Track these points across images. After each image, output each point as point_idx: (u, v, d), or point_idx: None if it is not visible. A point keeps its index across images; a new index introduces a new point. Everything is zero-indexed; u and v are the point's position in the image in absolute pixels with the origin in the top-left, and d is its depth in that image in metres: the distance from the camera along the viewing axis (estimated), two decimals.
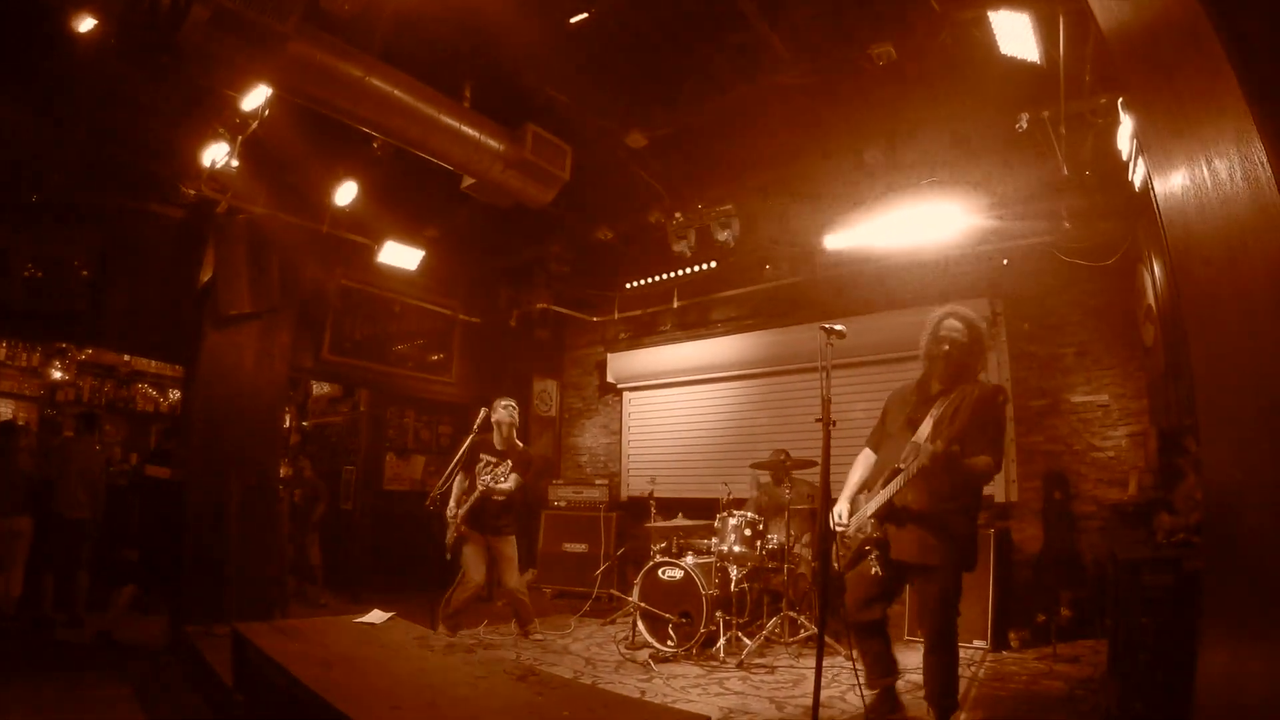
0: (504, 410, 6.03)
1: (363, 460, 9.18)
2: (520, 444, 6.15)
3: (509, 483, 5.70)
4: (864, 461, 4.00)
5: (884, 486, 3.60)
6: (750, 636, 5.77)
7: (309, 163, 6.51)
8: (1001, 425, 3.64)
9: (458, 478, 5.90)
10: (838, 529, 3.81)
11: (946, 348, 3.65)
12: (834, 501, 3.79)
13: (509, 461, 5.81)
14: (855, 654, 3.96)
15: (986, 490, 6.80)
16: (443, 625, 5.64)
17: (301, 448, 9.27)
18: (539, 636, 6.07)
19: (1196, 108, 1.66)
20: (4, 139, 5.86)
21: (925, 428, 3.58)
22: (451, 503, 5.85)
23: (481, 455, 5.91)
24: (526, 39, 5.29)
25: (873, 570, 3.59)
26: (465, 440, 5.93)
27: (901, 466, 3.51)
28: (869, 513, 3.65)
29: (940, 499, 3.48)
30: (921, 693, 3.67)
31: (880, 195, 6.53)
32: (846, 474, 4.04)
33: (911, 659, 4.44)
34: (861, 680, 3.74)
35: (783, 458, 6.57)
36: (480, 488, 5.66)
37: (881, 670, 3.76)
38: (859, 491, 3.90)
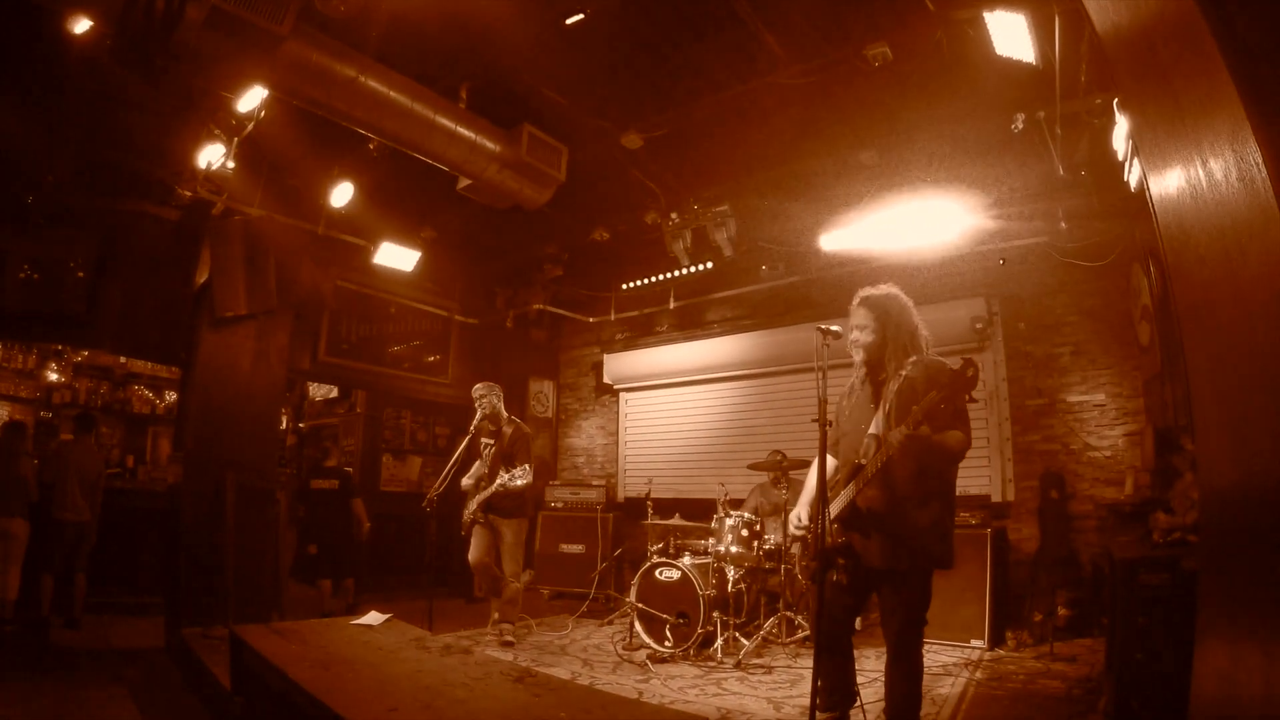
0: (479, 394, 6.26)
1: (359, 462, 9.17)
2: (513, 419, 6.35)
3: (522, 478, 5.81)
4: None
5: (845, 486, 3.34)
6: (748, 637, 5.77)
7: (305, 164, 6.52)
8: (963, 397, 3.17)
9: (475, 463, 6.22)
10: (797, 532, 3.56)
11: (857, 336, 3.45)
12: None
13: (501, 441, 6.16)
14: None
15: (982, 489, 6.92)
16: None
17: (299, 450, 9.28)
18: (509, 639, 6.03)
19: (1192, 108, 1.66)
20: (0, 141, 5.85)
21: (879, 417, 3.34)
22: (469, 480, 6.15)
23: (482, 439, 6.22)
24: (522, 40, 5.29)
25: (834, 578, 3.23)
26: (462, 439, 6.24)
27: (862, 462, 3.27)
28: (831, 516, 3.31)
29: (903, 493, 3.21)
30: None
31: (876, 195, 6.55)
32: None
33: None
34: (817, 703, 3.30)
35: (779, 458, 6.59)
36: (496, 485, 5.85)
37: (835, 699, 3.37)
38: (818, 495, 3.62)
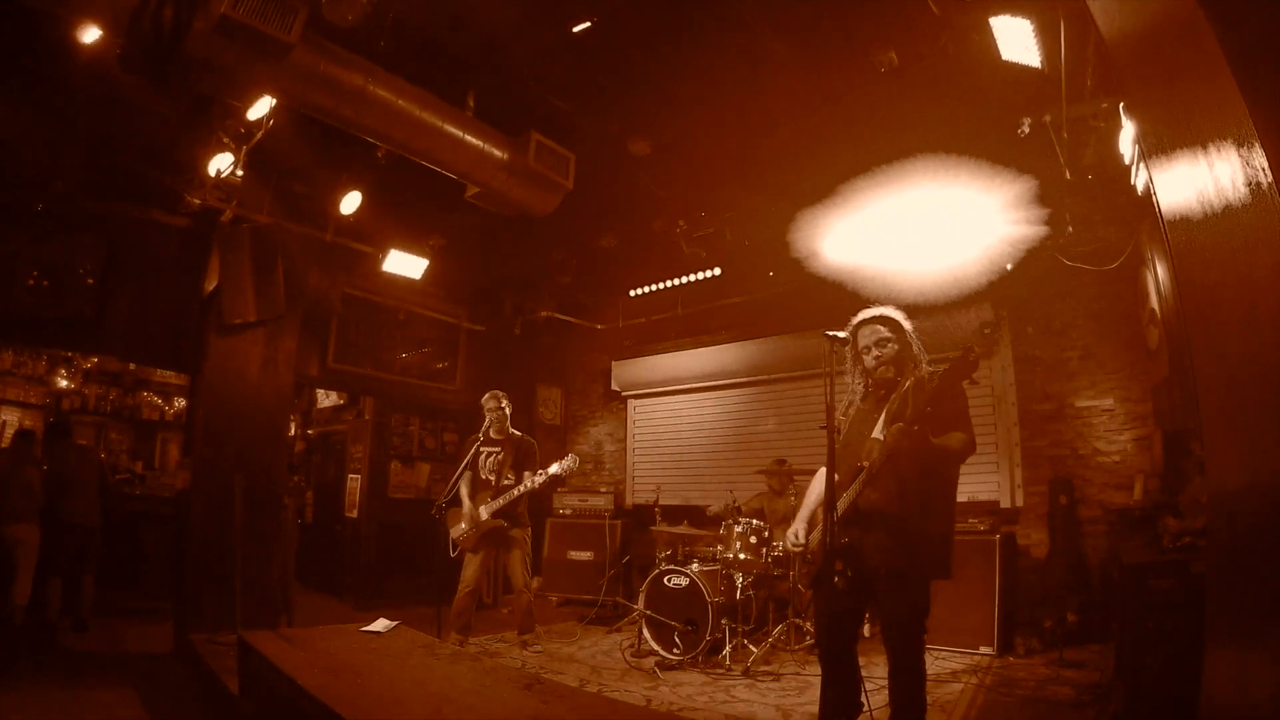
0: (489, 402, 6.22)
1: (368, 468, 9.18)
2: (516, 431, 6.30)
3: (543, 478, 5.85)
4: (822, 479, 3.64)
5: (847, 490, 3.32)
6: (756, 644, 5.76)
7: (314, 172, 6.56)
8: (963, 399, 3.27)
9: (466, 475, 6.09)
10: (795, 550, 3.60)
11: (880, 353, 3.51)
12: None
13: (509, 450, 6.13)
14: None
15: (991, 495, 6.89)
16: (454, 632, 5.69)
17: (307, 456, 9.30)
18: (538, 649, 6.06)
19: (1198, 113, 1.66)
20: (9, 146, 5.88)
21: (880, 424, 3.37)
22: (464, 491, 6.04)
23: (481, 449, 6.12)
24: (529, 47, 5.32)
25: (835, 579, 3.12)
26: (471, 445, 6.17)
27: (864, 464, 3.26)
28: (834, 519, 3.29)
29: (907, 496, 3.21)
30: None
31: (884, 201, 6.54)
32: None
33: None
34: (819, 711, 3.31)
35: (781, 466, 6.65)
36: (527, 485, 5.84)
37: (840, 710, 3.29)
38: (817, 509, 3.60)
